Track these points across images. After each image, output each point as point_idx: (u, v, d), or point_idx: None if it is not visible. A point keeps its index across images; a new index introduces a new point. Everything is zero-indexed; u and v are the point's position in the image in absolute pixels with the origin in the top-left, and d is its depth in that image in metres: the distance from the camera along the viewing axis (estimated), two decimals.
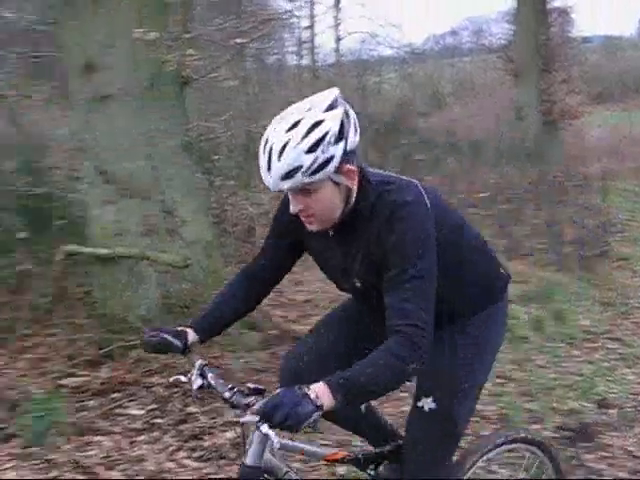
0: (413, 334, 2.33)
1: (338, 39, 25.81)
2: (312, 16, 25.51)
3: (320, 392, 2.17)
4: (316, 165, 2.33)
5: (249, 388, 2.39)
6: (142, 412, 4.78)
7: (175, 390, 4.92)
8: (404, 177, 2.65)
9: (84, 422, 4.67)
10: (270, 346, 5.76)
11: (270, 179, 2.38)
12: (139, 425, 4.67)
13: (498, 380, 5.49)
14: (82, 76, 5.65)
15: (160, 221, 5.69)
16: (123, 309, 5.67)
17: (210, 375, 2.58)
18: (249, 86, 10.00)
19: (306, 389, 2.16)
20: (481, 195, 10.42)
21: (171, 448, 4.38)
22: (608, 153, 15.47)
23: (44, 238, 6.46)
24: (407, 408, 2.92)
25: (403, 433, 2.93)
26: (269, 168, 2.37)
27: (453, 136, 15.22)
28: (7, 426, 4.62)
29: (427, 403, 2.71)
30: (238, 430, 2.50)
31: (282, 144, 2.33)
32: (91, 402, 4.91)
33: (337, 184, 2.43)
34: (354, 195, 2.52)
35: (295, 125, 2.34)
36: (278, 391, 2.16)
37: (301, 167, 2.32)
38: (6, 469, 4.22)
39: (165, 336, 2.65)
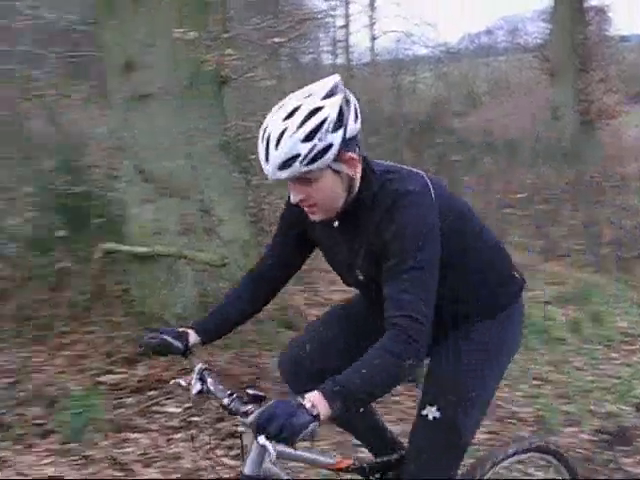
0: (409, 327, 2.26)
1: (373, 38, 25.76)
2: (347, 15, 25.50)
3: (316, 401, 2.11)
4: (314, 153, 2.28)
5: (248, 395, 2.33)
6: (179, 410, 4.79)
7: None
8: (410, 167, 2.59)
9: (121, 419, 4.70)
10: None
11: (268, 168, 2.33)
12: (176, 423, 4.69)
13: (535, 382, 5.47)
14: (122, 75, 5.69)
15: (198, 220, 5.71)
16: (160, 307, 5.70)
17: (209, 380, 2.52)
18: (285, 85, 10.00)
19: (301, 399, 2.10)
20: (518, 196, 10.35)
21: (207, 446, 4.40)
22: None
23: (83, 236, 6.52)
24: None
25: (406, 443, 2.84)
26: (267, 157, 2.32)
27: (489, 136, 15.14)
28: (46, 422, 4.67)
29: (431, 412, 2.62)
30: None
31: (279, 132, 2.28)
32: (128, 399, 4.94)
33: (338, 172, 2.37)
34: (357, 184, 2.47)
35: (293, 113, 2.29)
36: (272, 402, 2.09)
37: (298, 156, 2.27)
38: (45, 464, 4.26)
39: (165, 337, 2.60)
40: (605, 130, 16.04)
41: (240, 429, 2.35)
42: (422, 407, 2.65)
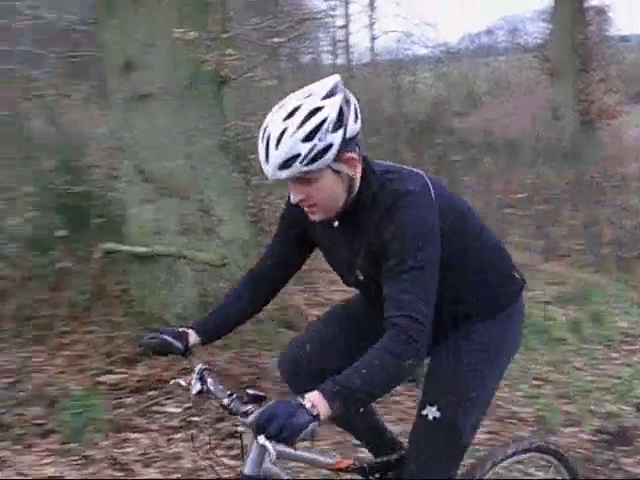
0: (409, 327, 2.25)
1: (373, 38, 25.73)
2: (347, 15, 25.48)
3: (316, 401, 2.11)
4: (314, 153, 2.27)
5: (248, 395, 2.32)
6: (179, 410, 4.80)
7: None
8: (411, 168, 2.59)
9: (121, 419, 4.71)
10: None
11: (268, 168, 2.33)
12: (176, 423, 4.70)
13: (535, 382, 5.47)
14: (121, 75, 5.69)
15: (197, 220, 5.71)
16: (160, 307, 5.70)
17: (209, 380, 2.52)
18: (285, 85, 10.00)
19: (301, 399, 2.10)
20: (519, 196, 10.35)
21: (207, 446, 4.39)
22: None
23: (83, 236, 6.52)
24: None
25: (406, 443, 2.83)
26: (267, 157, 2.32)
27: (489, 136, 15.14)
28: (46, 422, 4.68)
29: (431, 412, 2.61)
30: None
31: (279, 132, 2.28)
32: (128, 399, 4.94)
33: (338, 172, 2.37)
34: (357, 184, 2.46)
35: (293, 113, 2.29)
36: (272, 402, 2.09)
37: (298, 156, 2.27)
38: (45, 464, 4.26)
39: (165, 337, 2.60)
40: (605, 130, 16.03)
41: (240, 429, 2.35)
42: (422, 407, 2.64)
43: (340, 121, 2.30)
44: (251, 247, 6.03)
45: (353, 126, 2.34)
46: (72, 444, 4.45)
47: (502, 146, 14.40)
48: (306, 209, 2.47)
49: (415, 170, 2.56)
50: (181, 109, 5.68)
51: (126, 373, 5.24)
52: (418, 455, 2.70)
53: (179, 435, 4.54)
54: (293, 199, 2.43)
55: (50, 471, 4.20)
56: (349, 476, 2.80)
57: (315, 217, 2.49)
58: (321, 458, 2.69)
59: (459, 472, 2.82)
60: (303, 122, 2.26)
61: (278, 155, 2.28)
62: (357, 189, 2.47)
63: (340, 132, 2.30)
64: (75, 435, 4.50)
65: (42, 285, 6.22)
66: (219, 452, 4.17)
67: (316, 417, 2.07)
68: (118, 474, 4.18)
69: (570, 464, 3.16)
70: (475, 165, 12.22)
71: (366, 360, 2.24)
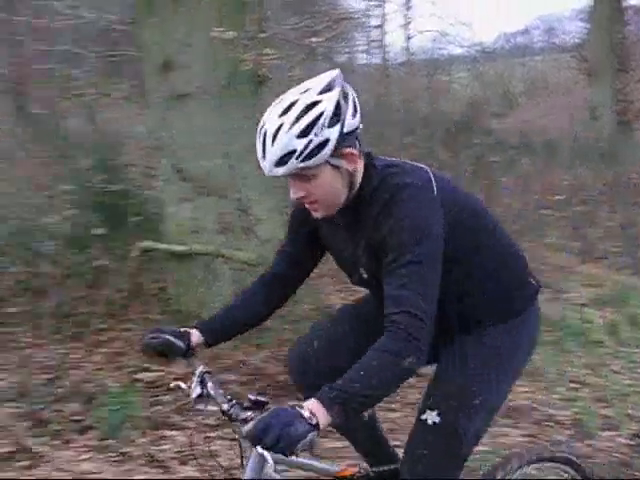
0: (408, 324, 2.19)
1: (408, 38, 25.71)
2: (383, 15, 25.46)
3: (314, 409, 2.05)
4: (310, 149, 2.23)
5: (250, 400, 2.27)
6: (216, 408, 4.80)
7: (249, 387, 4.95)
8: (414, 163, 2.54)
9: (158, 416, 4.72)
10: None
11: (265, 165, 2.30)
12: (212, 421, 4.71)
13: (572, 385, 5.41)
14: (160, 74, 5.73)
15: (235, 219, 5.73)
16: (197, 306, 5.71)
17: (209, 384, 2.46)
18: None
19: (299, 408, 2.04)
20: (556, 197, 10.27)
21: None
22: None
23: (120, 234, 6.56)
24: None
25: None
26: (264, 154, 2.28)
27: (526, 137, 15.04)
28: (84, 418, 4.69)
29: (431, 416, 2.49)
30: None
31: (275, 128, 2.24)
32: (165, 397, 4.93)
33: (337, 168, 2.33)
34: (358, 179, 2.42)
35: (289, 108, 2.25)
36: (270, 410, 2.04)
37: (294, 152, 2.23)
38: (82, 460, 4.28)
39: (167, 337, 2.52)
40: None
41: (237, 437, 2.30)
42: (422, 411, 2.55)
43: (337, 116, 2.26)
44: None
45: (351, 121, 2.30)
46: (109, 441, 4.46)
47: (540, 147, 14.30)
48: (307, 206, 2.44)
49: (419, 165, 2.52)
50: (219, 108, 5.70)
51: (163, 371, 5.25)
52: (415, 462, 2.58)
53: (216, 433, 4.55)
54: (293, 196, 2.39)
55: (87, 467, 4.21)
56: None
57: (317, 214, 2.46)
58: (325, 466, 2.64)
59: None
60: (298, 118, 2.23)
61: (274, 152, 2.25)
62: (359, 184, 2.43)
63: (337, 127, 2.26)
64: (112, 432, 4.52)
65: (80, 283, 6.27)
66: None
67: (315, 426, 2.03)
68: (155, 471, 4.19)
69: (587, 474, 3.03)
70: (512, 166, 12.14)
71: (364, 361, 2.18)
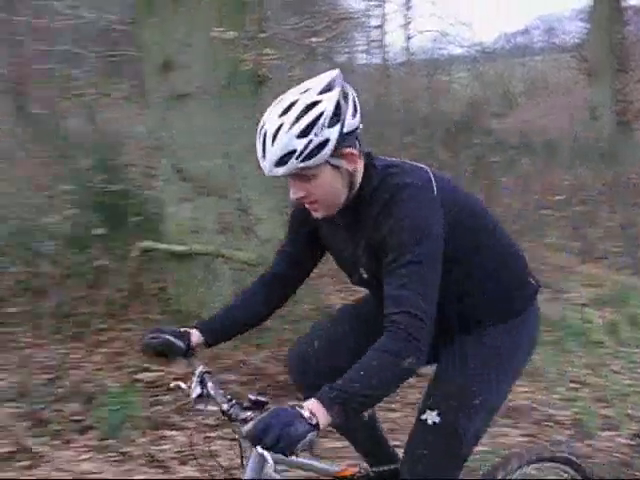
0: (408, 324, 2.18)
1: (408, 38, 25.71)
2: (383, 15, 25.47)
3: (314, 409, 2.05)
4: (310, 149, 2.23)
5: (250, 400, 2.26)
6: (216, 408, 4.80)
7: (249, 387, 4.95)
8: (414, 163, 2.53)
9: (158, 416, 4.72)
10: None
11: (265, 165, 2.29)
12: (212, 421, 4.71)
13: (572, 385, 5.40)
14: (160, 74, 5.73)
15: (235, 219, 5.72)
16: (197, 306, 5.71)
17: (209, 384, 2.45)
18: None
19: (299, 408, 2.03)
20: (556, 198, 10.27)
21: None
22: None
23: (120, 234, 6.56)
24: None
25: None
26: (264, 154, 2.28)
27: (526, 136, 15.04)
28: (84, 418, 4.70)
29: (431, 416, 2.48)
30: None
31: (275, 128, 2.24)
32: (165, 397, 4.93)
33: (337, 168, 2.32)
34: (359, 180, 2.41)
35: (289, 109, 2.24)
36: (269, 411, 2.03)
37: (294, 152, 2.22)
38: (82, 460, 4.28)
39: (167, 337, 2.51)
40: None
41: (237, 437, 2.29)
42: (422, 411, 2.53)
43: (337, 115, 2.25)
44: None
45: (351, 120, 2.29)
46: (109, 441, 4.46)
47: (540, 147, 14.30)
48: (307, 206, 2.43)
49: (419, 165, 2.51)
50: (219, 108, 5.70)
51: (163, 371, 5.25)
52: (415, 462, 2.56)
53: (216, 433, 4.55)
54: (293, 196, 2.39)
55: (87, 467, 4.21)
56: None
57: (317, 214, 2.45)
58: (324, 465, 2.62)
59: None
60: (298, 118, 2.22)
61: (274, 152, 2.24)
62: (359, 185, 2.42)
63: (337, 127, 2.25)
64: (112, 432, 4.52)
65: (80, 283, 6.27)
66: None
67: (315, 427, 2.02)
68: (154, 471, 4.19)
69: (587, 474, 3.01)
70: (512, 166, 12.15)
71: (364, 361, 2.18)
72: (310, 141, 2.22)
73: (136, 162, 7.79)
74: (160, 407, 4.84)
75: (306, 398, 2.13)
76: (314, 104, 2.24)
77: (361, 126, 2.36)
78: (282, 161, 2.25)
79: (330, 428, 2.29)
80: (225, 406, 2.34)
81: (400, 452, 2.80)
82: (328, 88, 2.27)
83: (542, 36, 33.14)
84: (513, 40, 33.97)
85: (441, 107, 16.13)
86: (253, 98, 5.94)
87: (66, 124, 9.75)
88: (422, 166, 2.50)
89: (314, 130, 2.22)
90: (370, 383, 2.14)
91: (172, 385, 2.57)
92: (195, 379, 2.47)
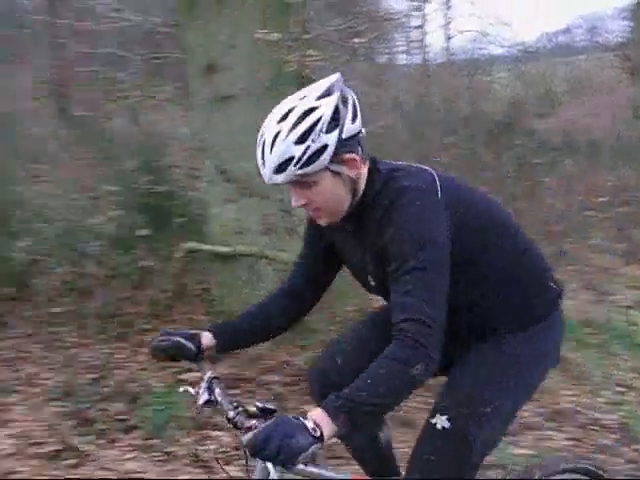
0: (415, 331, 2.13)
1: (448, 38, 25.62)
2: (423, 15, 25.38)
3: (318, 419, 2.00)
4: (308, 155, 2.20)
5: (257, 407, 2.21)
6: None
7: (293, 388, 4.96)
8: (419, 165, 2.48)
9: (202, 417, 4.72)
10: None
11: (265, 172, 2.26)
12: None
13: (618, 388, 5.34)
14: (203, 77, 5.76)
15: (279, 220, 5.72)
16: (241, 306, 5.68)
17: (217, 390, 2.41)
18: (364, 85, 10.01)
19: (303, 418, 1.98)
20: (600, 199, 10.15)
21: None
22: None
23: (165, 235, 6.60)
24: None
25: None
26: (263, 161, 2.25)
27: (569, 136, 14.89)
28: (128, 418, 4.76)
29: (441, 420, 2.40)
30: None
31: (273, 135, 2.21)
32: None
33: (337, 174, 2.28)
34: (362, 186, 2.38)
35: (287, 115, 2.22)
36: (272, 420, 1.99)
37: (292, 158, 2.20)
38: (127, 459, 4.33)
39: (177, 339, 2.48)
40: None
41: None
42: (432, 415, 2.46)
43: (336, 121, 2.22)
44: None
45: (351, 126, 2.26)
46: (154, 440, 4.51)
47: (583, 147, 14.15)
48: (311, 213, 2.41)
49: (424, 167, 2.46)
50: (262, 110, 5.68)
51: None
52: (421, 467, 2.47)
53: None
54: (294, 204, 2.35)
55: (132, 466, 4.26)
56: None
57: (321, 222, 2.42)
58: (333, 475, 2.52)
59: None
60: (296, 124, 2.20)
61: (272, 159, 2.22)
62: (362, 190, 2.39)
63: (335, 132, 2.22)
64: (157, 431, 4.57)
65: (125, 283, 6.33)
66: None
67: (318, 439, 1.97)
68: (198, 471, 4.21)
69: None
70: (555, 167, 12.03)
71: (372, 370, 2.13)
72: (308, 147, 2.20)
73: (180, 163, 7.82)
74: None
75: None
76: (312, 110, 2.21)
77: (364, 131, 2.33)
78: (281, 168, 2.22)
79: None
80: (231, 413, 2.29)
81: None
82: (327, 93, 2.24)
83: (584, 35, 32.87)
84: (555, 39, 33.71)
85: (482, 107, 15.99)
86: None
87: (110, 126, 9.84)
88: (427, 168, 2.46)
89: (311, 136, 2.19)
90: (377, 391, 2.09)
91: (181, 389, 2.54)
92: (203, 385, 2.44)
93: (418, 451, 2.49)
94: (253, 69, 5.70)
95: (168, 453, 4.38)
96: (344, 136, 2.24)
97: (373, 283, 2.51)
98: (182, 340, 2.48)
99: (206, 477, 4.14)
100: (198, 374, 5.10)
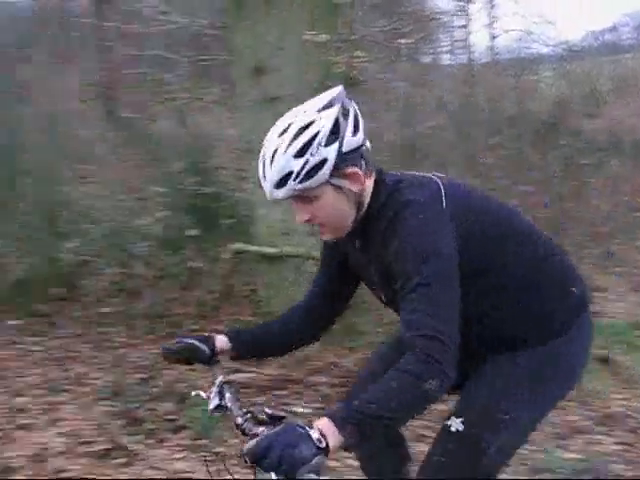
0: (426, 346, 2.03)
1: (493, 37, 25.43)
2: (467, 14, 25.25)
3: (324, 429, 1.90)
4: (306, 170, 2.13)
5: (267, 414, 2.13)
6: (309, 410, 4.81)
7: (340, 390, 4.95)
8: (425, 174, 2.40)
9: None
10: None
11: (267, 186, 2.20)
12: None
13: None
14: (251, 78, 5.77)
15: None
16: (288, 308, 5.74)
17: (228, 396, 2.37)
18: (408, 87, 9.97)
19: (309, 428, 1.88)
20: None
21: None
22: None
23: (212, 236, 6.64)
24: None
25: None
26: (264, 176, 2.19)
27: (615, 136, 14.71)
28: (177, 418, 4.80)
29: (455, 423, 2.34)
30: None
31: (273, 150, 2.15)
32: (258, 398, 4.98)
33: (339, 188, 2.21)
34: (367, 200, 2.31)
35: (287, 128, 2.16)
36: (277, 429, 1.91)
37: (291, 173, 2.13)
38: (176, 459, 4.36)
39: (191, 341, 2.44)
40: None
41: None
42: (447, 418, 2.40)
43: (335, 134, 2.16)
44: None
45: (351, 139, 2.19)
46: (202, 440, 4.53)
47: (629, 147, 13.97)
48: (316, 229, 2.36)
49: (429, 176, 2.38)
50: None
51: (254, 372, 5.30)
52: (431, 468, 2.41)
53: None
54: (298, 219, 2.29)
55: (181, 466, 4.29)
56: None
57: (325, 237, 2.36)
58: None
59: None
60: (295, 137, 2.14)
61: (273, 174, 2.16)
62: (367, 203, 2.32)
63: (335, 145, 2.16)
64: (206, 432, 4.58)
65: (173, 284, 6.37)
66: (344, 453, 4.17)
67: (323, 450, 1.87)
68: (247, 471, 4.22)
69: None
70: (601, 167, 11.90)
71: (384, 382, 2.04)
72: (307, 161, 2.14)
73: (227, 165, 7.84)
74: (252, 408, 4.86)
75: None
76: (311, 123, 2.16)
77: (367, 144, 2.27)
78: (281, 183, 2.16)
79: None
80: (239, 419, 2.25)
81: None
82: (328, 105, 2.19)
83: (631, 33, 32.46)
84: (601, 38, 33.33)
85: (528, 107, 15.87)
86: None
87: (157, 128, 9.91)
88: (432, 177, 2.37)
89: (310, 150, 2.14)
90: (389, 405, 2.00)
91: (193, 394, 2.50)
92: (214, 389, 2.40)
93: (430, 453, 2.43)
94: (301, 70, 5.70)
95: (216, 453, 4.38)
96: (344, 149, 2.18)
97: (384, 298, 2.46)
98: (196, 342, 2.45)
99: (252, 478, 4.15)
100: (247, 375, 5.18)
